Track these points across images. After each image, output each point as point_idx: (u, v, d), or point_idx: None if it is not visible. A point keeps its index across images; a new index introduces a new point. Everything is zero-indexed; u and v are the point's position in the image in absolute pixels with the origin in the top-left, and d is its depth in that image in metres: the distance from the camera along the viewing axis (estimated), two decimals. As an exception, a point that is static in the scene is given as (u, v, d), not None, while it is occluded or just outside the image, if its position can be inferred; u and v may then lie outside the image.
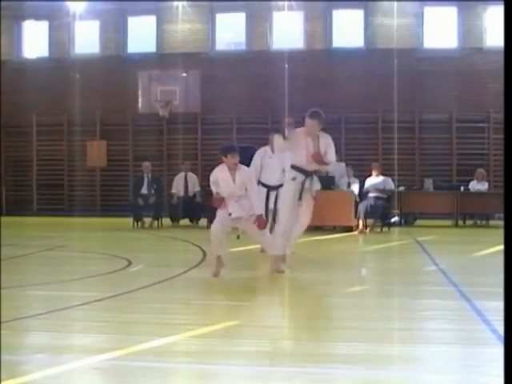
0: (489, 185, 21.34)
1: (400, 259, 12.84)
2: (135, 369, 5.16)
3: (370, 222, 18.42)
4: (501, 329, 5.87)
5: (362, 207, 18.11)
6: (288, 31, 26.16)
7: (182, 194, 20.49)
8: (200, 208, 20.10)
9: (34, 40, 27.80)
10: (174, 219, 20.41)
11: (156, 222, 20.07)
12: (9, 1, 25.63)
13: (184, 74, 22.94)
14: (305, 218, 10.58)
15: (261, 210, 9.96)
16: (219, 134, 25.48)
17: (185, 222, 20.37)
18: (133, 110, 24.39)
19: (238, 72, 25.53)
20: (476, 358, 5.59)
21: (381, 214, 18.47)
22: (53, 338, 6.25)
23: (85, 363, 5.27)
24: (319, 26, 25.89)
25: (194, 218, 20.31)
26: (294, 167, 10.31)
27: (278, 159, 12.69)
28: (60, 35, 27.09)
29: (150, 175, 20.64)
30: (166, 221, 20.30)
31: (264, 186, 12.76)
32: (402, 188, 20.31)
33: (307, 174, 10.28)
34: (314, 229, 18.42)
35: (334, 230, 18.44)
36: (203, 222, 19.65)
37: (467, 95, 24.41)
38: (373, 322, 6.95)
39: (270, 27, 26.09)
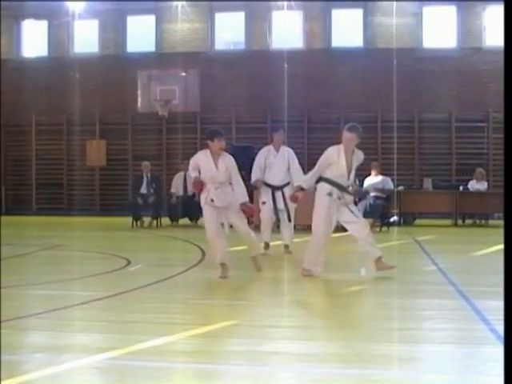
0: (488, 184, 21.35)
1: (399, 259, 12.82)
2: (134, 368, 5.17)
3: (369, 221, 18.40)
4: (500, 328, 5.88)
5: (361, 207, 18.08)
6: (287, 31, 26.16)
7: (181, 193, 20.49)
8: (199, 207, 20.03)
9: (34, 39, 27.79)
10: (174, 219, 20.41)
11: (155, 222, 20.07)
12: (9, 0, 25.61)
13: (183, 74, 22.94)
14: (362, 231, 10.15)
15: (245, 198, 9.77)
16: (219, 133, 25.45)
17: (184, 221, 20.36)
18: (132, 110, 24.39)
19: (238, 71, 25.53)
20: (475, 357, 5.59)
21: (380, 213, 18.48)
22: (52, 337, 6.25)
23: (84, 363, 5.27)
24: (318, 25, 25.89)
25: (193, 218, 20.29)
26: (329, 181, 9.92)
27: (283, 159, 12.65)
28: (59, 34, 27.08)
29: (149, 175, 20.63)
30: (165, 220, 20.30)
31: (268, 185, 12.67)
32: (401, 187, 20.30)
33: (343, 188, 9.90)
34: (312, 229, 18.47)
35: (334, 229, 18.42)
36: (202, 221, 19.63)
37: (466, 95, 24.42)
38: (372, 321, 6.95)
39: (269, 27, 26.08)
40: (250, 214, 10.03)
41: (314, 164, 10.15)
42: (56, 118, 26.55)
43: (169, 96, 22.38)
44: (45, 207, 26.78)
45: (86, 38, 27.22)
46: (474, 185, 20.67)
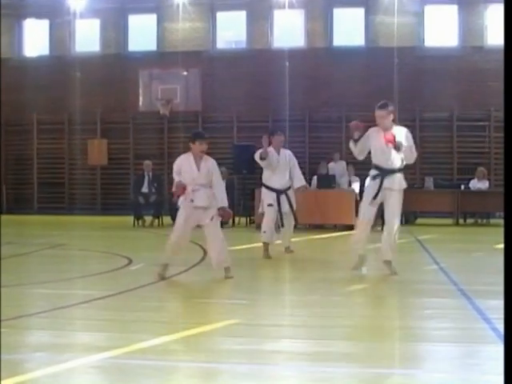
0: (489, 183, 21.34)
1: (401, 258, 12.81)
2: (135, 367, 5.16)
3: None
4: (501, 327, 5.87)
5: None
6: (289, 29, 26.17)
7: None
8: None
9: (35, 38, 27.81)
10: (175, 218, 20.35)
11: (156, 221, 20.07)
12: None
13: (185, 73, 22.95)
14: (392, 220, 10.25)
15: (225, 203, 9.62)
16: (220, 132, 25.48)
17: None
18: (133, 109, 24.40)
19: (239, 70, 25.52)
20: (477, 356, 5.59)
21: (381, 212, 18.43)
22: (53, 336, 6.25)
23: (85, 362, 5.26)
24: (320, 24, 25.88)
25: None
26: (375, 166, 9.86)
27: (285, 162, 12.51)
28: (61, 33, 27.08)
29: (150, 174, 20.65)
30: (167, 219, 20.28)
31: (272, 189, 12.40)
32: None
33: (386, 172, 9.84)
34: (314, 227, 18.48)
35: (335, 228, 18.43)
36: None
37: (468, 93, 24.40)
38: (373, 320, 6.95)
39: (270, 25, 26.08)
40: (226, 219, 9.96)
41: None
42: (57, 116, 26.56)
43: (170, 95, 22.39)
44: (46, 206, 26.79)
45: (87, 37, 27.22)
46: (476, 184, 20.67)
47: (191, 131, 11.01)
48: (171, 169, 9.93)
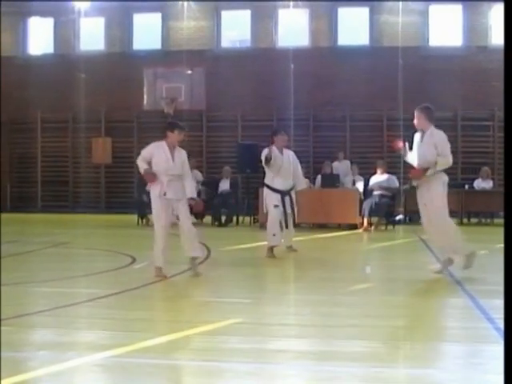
0: (494, 183, 21.31)
1: (405, 257, 12.83)
2: (139, 366, 5.17)
3: (374, 219, 18.39)
4: (505, 327, 5.87)
5: (366, 205, 18.09)
6: (293, 29, 26.15)
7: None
8: (204, 205, 20.07)
9: (40, 37, 27.83)
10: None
11: (160, 219, 20.03)
12: (12, 0, 25.68)
13: (189, 72, 22.93)
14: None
15: (193, 194, 9.65)
16: (224, 131, 25.50)
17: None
18: (138, 107, 24.39)
19: (243, 69, 25.51)
20: (480, 355, 5.59)
21: (385, 212, 18.46)
22: (57, 334, 6.26)
23: (89, 360, 5.27)
24: (324, 23, 25.88)
25: (199, 216, 20.27)
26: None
27: (288, 163, 12.42)
28: (65, 32, 27.10)
29: (154, 172, 20.61)
30: (171, 218, 20.26)
31: (276, 191, 12.24)
32: (406, 186, 20.25)
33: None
34: (318, 227, 18.48)
35: (339, 227, 18.43)
36: (208, 219, 19.67)
37: (472, 93, 24.37)
38: (377, 319, 6.95)
39: (275, 25, 26.07)
40: (198, 210, 9.92)
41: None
42: (62, 115, 26.58)
43: (174, 94, 22.38)
44: (50, 205, 26.81)
45: (91, 36, 27.24)
46: (480, 183, 20.64)
47: (167, 122, 10.87)
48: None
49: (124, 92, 25.55)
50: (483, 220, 20.87)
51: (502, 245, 11.81)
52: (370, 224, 18.04)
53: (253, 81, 25.44)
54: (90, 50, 26.93)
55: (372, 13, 25.49)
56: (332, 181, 19.06)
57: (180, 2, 26.08)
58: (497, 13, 24.39)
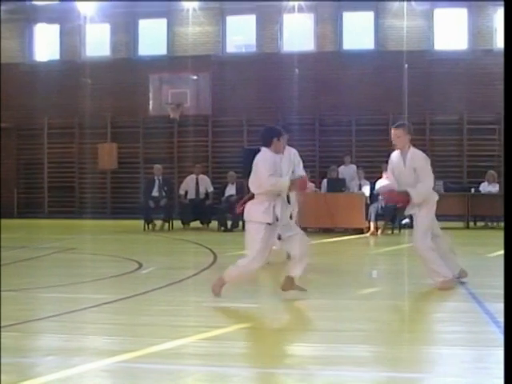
0: (500, 186, 21.27)
1: (411, 261, 12.80)
2: (146, 371, 5.17)
3: (381, 224, 18.37)
4: (512, 331, 5.87)
5: (372, 209, 18.08)
6: (298, 33, 26.15)
7: (193, 196, 20.54)
8: (211, 210, 20.14)
9: (46, 43, 27.88)
10: (185, 222, 20.40)
11: (167, 225, 20.09)
12: (14, 0, 25.78)
13: (195, 77, 22.94)
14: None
15: None
16: (230, 136, 25.51)
17: (196, 224, 20.35)
18: (144, 113, 24.41)
19: (249, 74, 25.53)
20: (487, 359, 5.59)
21: (392, 215, 18.43)
22: (64, 340, 6.27)
23: (96, 365, 5.28)
24: (329, 28, 25.88)
25: (205, 221, 20.31)
26: None
27: (289, 161, 12.43)
28: (71, 38, 27.15)
29: (160, 177, 20.68)
30: (177, 223, 20.31)
31: None
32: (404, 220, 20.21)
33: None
34: (324, 231, 18.47)
35: (345, 232, 18.41)
36: (214, 224, 19.68)
37: (478, 97, 24.35)
38: (384, 323, 6.95)
39: (280, 29, 26.08)
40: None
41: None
42: (68, 121, 26.61)
43: (180, 99, 22.39)
44: (57, 210, 26.84)
45: (97, 42, 27.27)
46: (486, 187, 20.62)
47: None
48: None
49: (130, 98, 25.58)
50: (489, 224, 20.83)
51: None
52: (376, 228, 18.02)
53: (258, 85, 25.46)
54: (96, 56, 26.96)
55: (377, 17, 25.49)
56: (338, 185, 19.06)
57: (185, 8, 26.11)
58: (502, 16, 24.40)
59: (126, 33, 26.87)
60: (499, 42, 24.50)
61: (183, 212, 20.58)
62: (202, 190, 20.68)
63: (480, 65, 24.42)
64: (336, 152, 23.71)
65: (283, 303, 8.30)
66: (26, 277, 10.37)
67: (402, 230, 18.59)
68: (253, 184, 8.30)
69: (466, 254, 13.69)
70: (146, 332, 6.56)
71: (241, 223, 19.98)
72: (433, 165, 9.65)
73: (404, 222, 19.24)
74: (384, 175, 18.86)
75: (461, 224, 20.35)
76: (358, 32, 26.02)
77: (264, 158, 8.29)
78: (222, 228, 19.28)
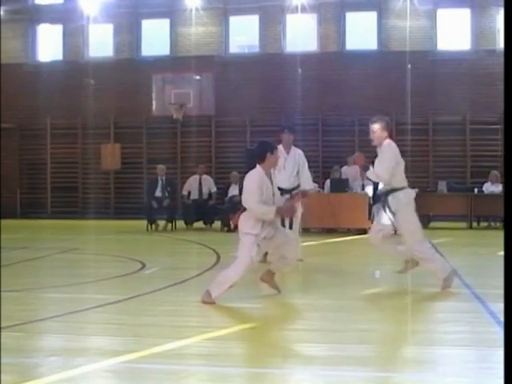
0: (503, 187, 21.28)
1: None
2: (149, 371, 5.18)
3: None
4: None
5: (375, 209, 18.06)
6: (301, 34, 26.15)
7: (196, 196, 20.56)
8: (214, 211, 20.14)
9: (49, 43, 27.89)
10: (188, 222, 20.41)
11: (170, 225, 20.10)
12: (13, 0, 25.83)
13: (198, 77, 22.94)
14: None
15: None
16: (233, 136, 25.51)
17: (199, 224, 20.35)
18: (147, 113, 24.40)
19: (252, 75, 25.52)
20: (491, 360, 5.58)
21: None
22: (67, 340, 6.28)
23: (99, 366, 5.29)
24: (332, 28, 25.87)
25: (208, 221, 20.32)
26: None
27: (294, 161, 12.38)
28: (74, 39, 27.16)
29: (164, 178, 20.69)
30: (180, 223, 20.31)
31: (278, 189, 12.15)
32: (415, 190, 20.21)
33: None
34: (327, 231, 18.47)
35: (348, 232, 18.40)
36: (217, 224, 19.68)
37: (481, 97, 24.32)
38: (386, 324, 6.94)
39: (283, 30, 26.07)
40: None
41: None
42: (71, 121, 26.62)
43: (183, 99, 22.38)
44: (60, 211, 26.84)
45: (100, 42, 27.28)
46: (489, 187, 20.61)
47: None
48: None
49: (133, 98, 25.59)
50: (492, 224, 20.82)
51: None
52: (379, 228, 17.98)
53: (261, 86, 25.45)
54: (99, 56, 26.97)
55: (380, 17, 25.48)
56: (341, 185, 19.06)
57: (188, 8, 26.12)
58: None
59: (129, 33, 26.87)
60: (502, 43, 24.48)
61: (186, 212, 20.59)
62: (205, 191, 20.70)
63: (483, 65, 24.40)
64: (339, 152, 23.68)
65: (285, 303, 8.30)
66: (29, 277, 10.38)
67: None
68: (244, 201, 8.38)
69: (469, 254, 13.72)
70: (149, 332, 6.56)
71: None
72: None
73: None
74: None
75: (464, 224, 20.34)
76: (361, 32, 26.00)
77: (253, 181, 8.35)
78: (226, 228, 19.27)
